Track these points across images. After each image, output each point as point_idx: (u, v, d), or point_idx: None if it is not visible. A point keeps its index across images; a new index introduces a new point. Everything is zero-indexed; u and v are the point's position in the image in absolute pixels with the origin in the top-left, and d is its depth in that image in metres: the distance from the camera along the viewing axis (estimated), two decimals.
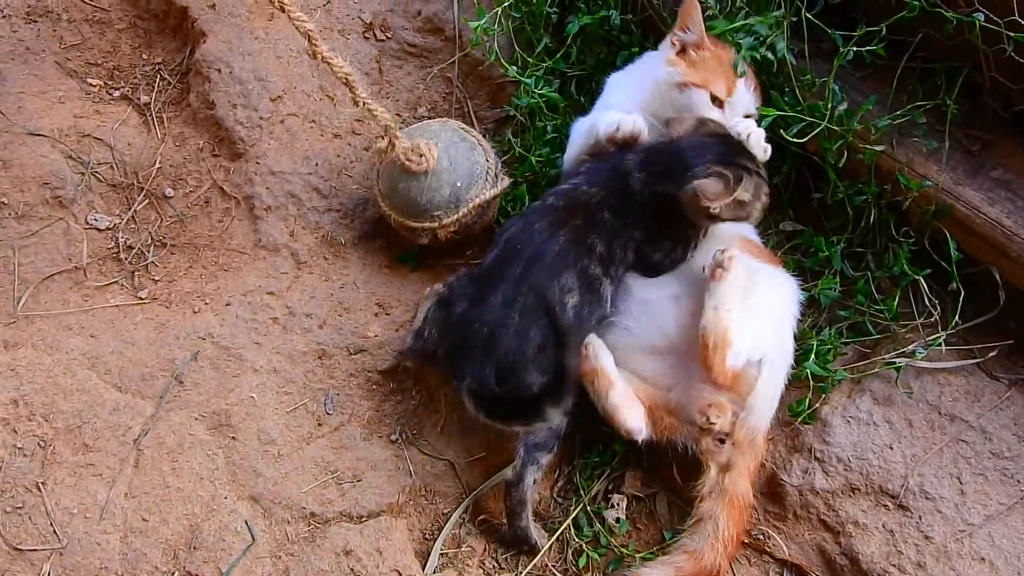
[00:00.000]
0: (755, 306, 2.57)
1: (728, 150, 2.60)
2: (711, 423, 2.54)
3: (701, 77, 2.75)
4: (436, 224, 2.97)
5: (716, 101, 2.74)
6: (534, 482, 2.65)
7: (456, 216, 2.95)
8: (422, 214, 2.97)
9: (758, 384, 2.55)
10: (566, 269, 2.54)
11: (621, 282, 2.70)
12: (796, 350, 2.79)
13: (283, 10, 2.53)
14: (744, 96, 2.78)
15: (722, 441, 2.60)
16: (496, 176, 3.04)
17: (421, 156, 2.91)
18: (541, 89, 3.13)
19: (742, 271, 2.51)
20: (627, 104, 2.84)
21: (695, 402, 2.59)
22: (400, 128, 3.06)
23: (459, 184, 2.95)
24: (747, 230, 2.84)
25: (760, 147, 2.67)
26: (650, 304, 2.70)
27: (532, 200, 3.07)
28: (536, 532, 2.71)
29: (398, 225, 3.04)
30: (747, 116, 2.78)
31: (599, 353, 2.70)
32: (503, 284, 2.55)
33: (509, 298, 2.53)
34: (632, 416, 2.64)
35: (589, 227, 2.58)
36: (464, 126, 3.13)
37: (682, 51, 2.81)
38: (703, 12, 2.79)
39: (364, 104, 2.77)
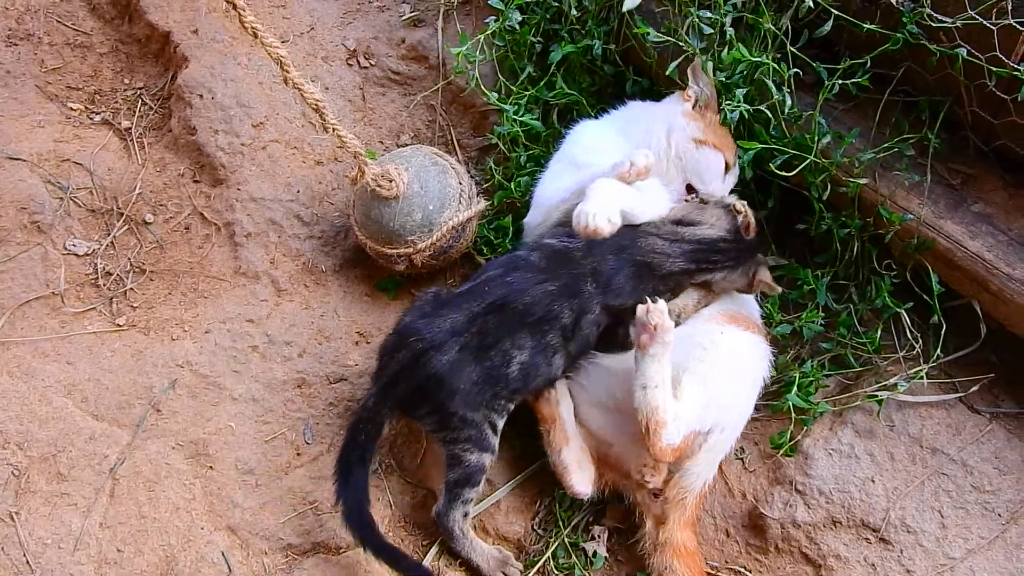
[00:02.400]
0: (708, 376, 2.56)
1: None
2: (646, 481, 2.57)
3: (719, 140, 2.77)
4: (411, 249, 2.96)
5: (726, 169, 2.79)
6: (464, 515, 2.64)
7: (430, 240, 2.95)
8: (396, 239, 2.96)
9: (701, 451, 2.56)
10: (524, 328, 2.53)
11: (578, 359, 2.71)
12: (778, 383, 2.79)
13: (255, 36, 2.52)
14: (736, 175, 2.87)
15: (656, 496, 2.63)
16: (470, 198, 3.04)
17: (391, 181, 2.90)
18: (522, 117, 3.13)
19: (669, 338, 2.42)
20: (617, 154, 2.74)
21: (633, 459, 2.61)
22: (381, 155, 3.06)
23: (431, 207, 2.95)
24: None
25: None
26: (604, 367, 2.70)
27: (515, 230, 3.07)
28: (488, 559, 2.70)
29: (374, 252, 3.03)
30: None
31: (561, 401, 2.73)
32: (457, 314, 2.53)
33: (457, 329, 2.51)
34: (581, 479, 2.69)
35: (562, 295, 2.55)
36: (437, 151, 3.13)
37: (695, 104, 2.81)
38: (681, 53, 2.83)
39: (334, 131, 2.76)
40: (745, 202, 2.76)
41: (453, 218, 2.96)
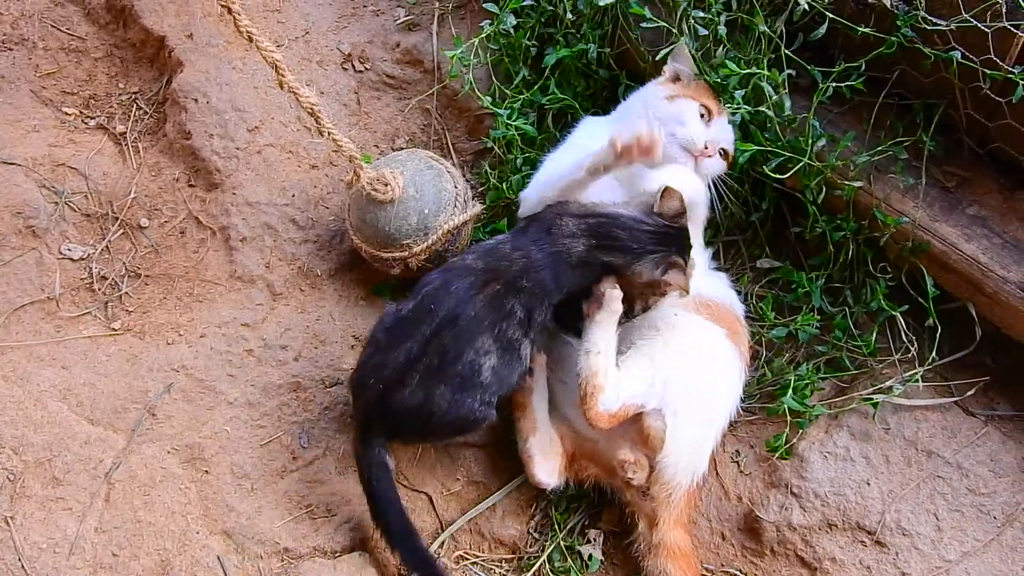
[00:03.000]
0: (654, 353, 2.57)
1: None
2: (629, 477, 2.55)
3: (692, 92, 2.76)
4: (406, 253, 2.95)
5: (706, 115, 2.74)
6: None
7: (426, 244, 2.94)
8: (392, 244, 2.95)
9: (667, 440, 2.53)
10: (483, 332, 2.46)
11: (540, 339, 2.66)
12: (774, 386, 2.79)
13: (250, 40, 2.51)
14: (726, 126, 2.80)
15: (644, 494, 2.62)
16: (465, 202, 3.03)
17: (386, 185, 2.90)
18: (517, 121, 3.13)
19: (615, 306, 2.47)
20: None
21: (615, 456, 2.59)
22: (376, 159, 3.05)
23: (426, 211, 2.94)
24: (707, 288, 2.77)
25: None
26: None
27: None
28: None
29: (369, 256, 3.03)
30: (724, 151, 2.78)
31: (535, 390, 2.74)
32: (408, 341, 2.47)
33: (413, 357, 2.45)
34: (543, 469, 2.70)
35: (508, 292, 2.48)
36: (432, 154, 3.12)
37: (675, 80, 2.83)
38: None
39: (330, 135, 2.75)
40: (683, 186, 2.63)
41: (448, 222, 2.95)
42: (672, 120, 2.72)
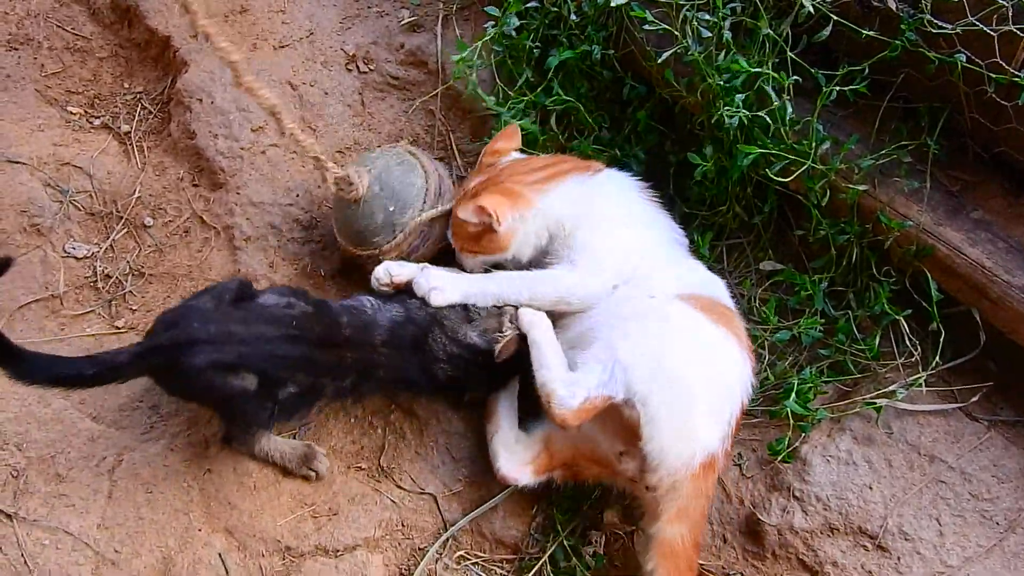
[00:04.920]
0: (615, 341, 2.49)
1: None
2: (623, 469, 2.53)
3: None
4: (376, 251, 2.91)
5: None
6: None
7: (395, 242, 2.89)
8: (364, 242, 2.91)
9: (645, 426, 2.41)
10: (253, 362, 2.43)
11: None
12: (777, 389, 2.79)
13: (208, 39, 2.49)
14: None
15: (647, 487, 2.49)
16: (437, 195, 2.95)
17: (351, 184, 2.87)
18: (520, 122, 3.12)
19: (535, 321, 2.59)
20: None
21: (608, 449, 2.58)
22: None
23: (391, 209, 2.87)
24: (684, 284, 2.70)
25: None
26: None
27: None
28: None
29: (347, 254, 3.01)
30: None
31: (502, 396, 2.82)
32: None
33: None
34: (509, 461, 2.74)
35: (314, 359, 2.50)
36: (411, 149, 3.06)
37: None
38: (685, 54, 2.80)
39: (291, 135, 2.72)
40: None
41: (416, 218, 2.90)
42: None
